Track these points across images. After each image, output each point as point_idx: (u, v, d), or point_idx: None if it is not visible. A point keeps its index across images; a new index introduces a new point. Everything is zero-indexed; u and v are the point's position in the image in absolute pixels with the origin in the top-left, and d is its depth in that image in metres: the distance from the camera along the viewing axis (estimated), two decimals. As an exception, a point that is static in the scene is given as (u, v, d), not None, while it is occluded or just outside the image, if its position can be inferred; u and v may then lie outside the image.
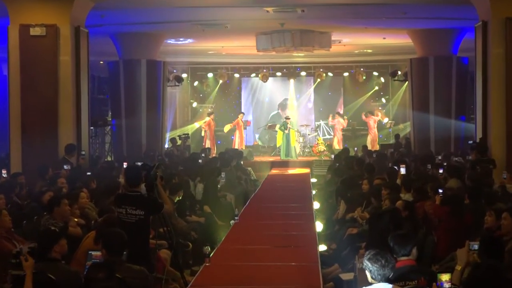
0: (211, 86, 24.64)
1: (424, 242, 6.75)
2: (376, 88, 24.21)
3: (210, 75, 24.43)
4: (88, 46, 12.74)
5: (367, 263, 4.37)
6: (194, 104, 24.86)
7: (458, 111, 16.68)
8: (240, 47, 19.96)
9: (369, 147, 19.26)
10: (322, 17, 15.01)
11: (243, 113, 22.75)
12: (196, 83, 24.79)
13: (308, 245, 8.22)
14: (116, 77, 17.23)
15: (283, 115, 22.81)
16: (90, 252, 5.50)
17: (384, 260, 4.33)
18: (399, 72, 19.37)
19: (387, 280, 4.34)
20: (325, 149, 21.01)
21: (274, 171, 18.87)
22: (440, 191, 7.61)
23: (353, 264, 6.89)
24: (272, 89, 24.81)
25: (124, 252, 5.38)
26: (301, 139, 22.48)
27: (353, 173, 11.42)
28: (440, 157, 13.57)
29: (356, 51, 21.53)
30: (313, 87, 24.65)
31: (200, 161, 14.72)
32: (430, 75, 16.71)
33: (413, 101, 17.26)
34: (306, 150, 22.29)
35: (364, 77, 23.79)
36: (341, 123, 22.35)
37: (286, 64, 23.82)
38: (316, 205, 11.72)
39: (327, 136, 23.27)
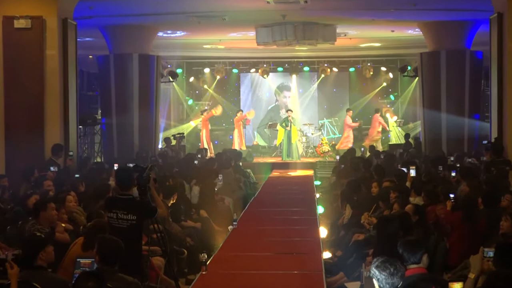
0: (208, 82, 24.64)
1: (436, 249, 6.75)
2: (384, 84, 24.21)
3: (206, 70, 24.43)
4: (76, 39, 12.74)
5: (374, 271, 4.37)
6: (190, 102, 24.87)
7: (472, 109, 16.68)
8: (239, 41, 19.97)
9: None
10: (326, 8, 15.02)
11: (241, 111, 22.75)
12: (191, 79, 24.79)
13: (312, 252, 8.22)
14: (106, 72, 17.22)
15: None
16: (78, 259, 5.50)
17: (393, 268, 4.33)
18: (409, 67, 19.37)
19: (396, 289, 4.34)
20: (329, 149, 21.01)
21: (275, 173, 18.87)
22: (452, 196, 7.60)
23: (359, 272, 6.89)
24: (273, 85, 24.82)
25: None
26: (304, 139, 22.47)
27: (360, 175, 11.42)
28: (452, 158, 13.58)
29: (363, 45, 21.53)
30: (317, 83, 24.65)
31: (196, 162, 14.73)
32: (442, 70, 16.71)
33: (423, 98, 17.27)
34: (309, 151, 22.29)
35: (371, 73, 23.79)
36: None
37: (288, 58, 23.82)
38: (320, 209, 11.72)
39: (332, 136, 23.27)
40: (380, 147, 20.62)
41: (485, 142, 13.99)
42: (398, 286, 4.36)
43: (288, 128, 20.61)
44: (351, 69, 24.32)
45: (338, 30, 17.55)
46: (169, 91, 23.63)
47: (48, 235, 6.21)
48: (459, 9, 15.02)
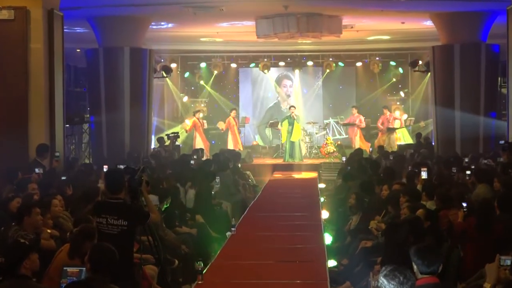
0: (204, 78, 24.65)
1: (449, 257, 6.76)
2: (394, 80, 24.22)
3: (203, 65, 24.44)
4: (63, 31, 12.74)
5: (383, 281, 4.36)
6: (185, 99, 24.87)
7: (488, 107, 16.68)
8: (238, 33, 19.97)
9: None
10: (331, -2, 15.05)
11: (235, 109, 22.63)
12: (187, 74, 24.80)
13: (316, 260, 8.23)
14: (95, 67, 17.22)
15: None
16: (65, 268, 5.50)
17: (403, 277, 4.33)
18: (420, 62, 19.37)
19: (406, 300, 4.33)
20: (335, 150, 21.01)
21: (276, 175, 18.88)
22: (464, 204, 7.53)
23: (367, 281, 6.91)
24: (274, 81, 24.82)
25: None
26: (307, 139, 22.47)
27: (368, 177, 11.43)
28: (467, 160, 13.58)
29: (371, 38, 21.53)
30: (321, 79, 24.66)
31: (192, 162, 14.74)
32: (455, 65, 16.70)
33: (436, 95, 17.27)
34: (314, 151, 22.28)
35: (380, 68, 23.80)
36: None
37: (290, 52, 23.82)
38: (324, 214, 11.73)
39: (338, 136, 23.28)
40: (390, 148, 20.63)
41: (502, 142, 13.99)
42: (408, 296, 4.35)
43: (291, 126, 20.59)
44: (358, 64, 24.32)
45: (344, 22, 17.55)
46: (162, 87, 23.62)
47: (32, 242, 6.20)
48: (474, -1, 15.04)
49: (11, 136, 11.79)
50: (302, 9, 16.22)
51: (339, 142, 22.22)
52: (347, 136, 22.96)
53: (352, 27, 18.72)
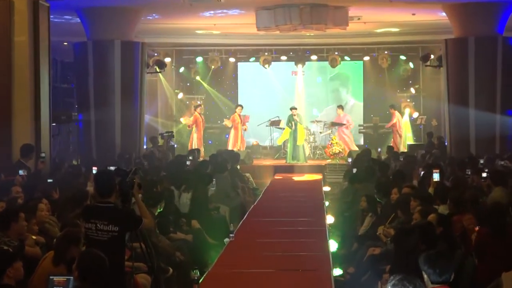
0: (201, 73, 24.65)
1: (462, 265, 6.76)
2: (404, 75, 24.22)
3: (199, 59, 24.44)
4: (49, 23, 12.76)
5: (391, 291, 4.37)
6: (180, 95, 24.88)
7: (505, 104, 16.69)
8: (236, 25, 19.97)
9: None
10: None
11: (241, 106, 22.47)
12: (182, 70, 24.81)
13: (320, 269, 8.23)
14: (83, 61, 17.23)
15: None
16: (51, 277, 5.49)
17: (412, 287, 4.34)
18: (432, 56, 19.38)
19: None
20: (340, 150, 21.02)
21: (278, 178, 18.89)
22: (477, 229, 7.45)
23: (375, 291, 6.90)
24: (275, 77, 24.83)
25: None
26: (311, 138, 22.47)
27: (376, 180, 11.44)
28: (482, 161, 13.59)
29: (379, 30, 21.54)
30: (327, 74, 24.65)
31: (188, 163, 14.73)
32: (470, 59, 16.71)
33: (449, 92, 17.28)
34: (318, 152, 22.30)
35: (388, 62, 23.80)
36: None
37: (292, 46, 23.83)
38: (329, 219, 11.73)
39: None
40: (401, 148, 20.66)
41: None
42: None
43: (293, 128, 20.58)
44: (366, 58, 24.32)
45: (350, 13, 17.56)
46: (155, 83, 23.63)
47: (16, 249, 6.21)
48: (490, -11, 15.05)
49: (-6, 135, 11.81)
50: (306, -1, 16.25)
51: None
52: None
53: (359, 19, 18.73)
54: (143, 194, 8.09)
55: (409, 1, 16.66)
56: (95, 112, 16.97)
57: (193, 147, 20.04)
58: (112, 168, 9.55)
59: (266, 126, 23.23)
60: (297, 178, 18.78)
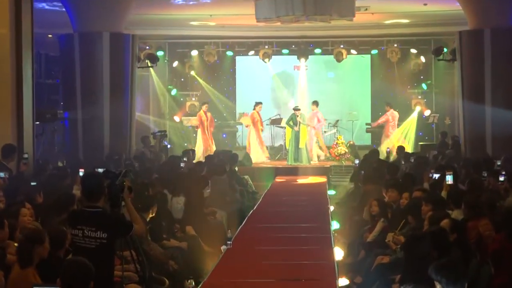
0: (196, 68, 24.65)
1: (478, 274, 6.76)
2: (415, 70, 24.23)
3: (194, 53, 24.44)
4: (32, 14, 12.73)
5: (402, 302, 4.38)
6: (173, 92, 24.89)
7: (524, 101, 16.71)
8: (234, 16, 19.98)
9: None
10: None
11: (260, 103, 22.01)
12: (175, 64, 24.81)
13: (325, 279, 8.24)
14: (69, 55, 17.22)
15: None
16: (34, 287, 5.48)
17: (425, 298, 4.35)
18: (445, 49, 19.39)
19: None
20: (346, 151, 21.02)
21: (279, 180, 18.90)
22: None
23: (383, 303, 6.91)
24: (276, 72, 24.84)
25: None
26: (315, 138, 22.46)
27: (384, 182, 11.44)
28: (499, 162, 13.59)
29: (388, 22, 21.54)
30: (331, 69, 24.67)
31: (182, 165, 14.73)
32: (486, 53, 16.70)
33: (463, 88, 17.28)
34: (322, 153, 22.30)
35: (398, 56, 23.81)
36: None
37: (295, 38, 23.83)
38: (335, 225, 11.74)
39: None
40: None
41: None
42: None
43: (297, 129, 20.50)
44: (373, 52, 24.34)
45: (357, 3, 17.55)
46: (147, 78, 23.63)
47: (-3, 258, 6.21)
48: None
49: (-27, 135, 11.81)
50: (309, -12, 16.24)
51: (351, 142, 22.22)
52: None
53: (366, 9, 18.74)
54: (134, 198, 8.11)
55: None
56: (82, 110, 16.95)
57: (194, 149, 19.99)
58: (100, 170, 9.53)
59: (267, 124, 23.24)
60: (299, 180, 18.80)
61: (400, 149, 17.97)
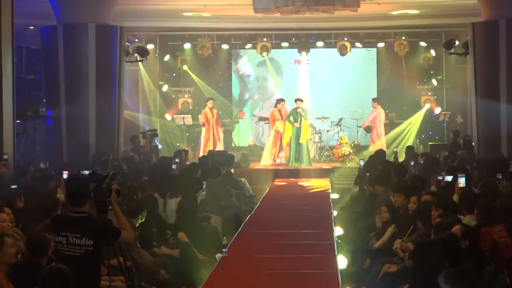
0: (189, 62, 24.66)
1: (492, 284, 6.77)
2: (424, 64, 24.25)
3: (187, 46, 24.45)
4: (12, 5, 12.73)
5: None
6: (165, 88, 24.89)
7: (541, 97, 16.75)
8: (230, 7, 19.98)
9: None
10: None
11: (283, 101, 21.60)
12: (167, 58, 24.82)
13: (327, 289, 8.24)
14: (52, 48, 17.23)
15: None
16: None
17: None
18: (457, 42, 19.42)
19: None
20: (351, 151, 21.02)
21: (278, 183, 18.89)
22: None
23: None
24: (275, 66, 24.86)
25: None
26: (317, 138, 22.46)
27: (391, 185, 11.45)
28: (515, 164, 13.61)
29: (396, 12, 21.56)
30: (335, 63, 24.71)
31: (174, 166, 14.72)
32: (501, 46, 16.74)
33: (476, 83, 17.31)
34: (325, 153, 22.30)
35: (406, 50, 23.83)
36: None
37: (295, 31, 23.85)
38: (338, 231, 11.74)
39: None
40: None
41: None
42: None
43: (297, 125, 20.33)
44: (380, 45, 24.36)
45: (362, -7, 17.60)
46: (136, 73, 23.63)
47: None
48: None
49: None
50: (311, -24, 16.26)
51: (356, 142, 22.21)
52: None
53: (372, 0, 18.75)
54: (122, 202, 8.11)
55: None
56: (66, 107, 16.96)
57: (187, 150, 19.98)
58: (86, 172, 9.54)
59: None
60: (300, 183, 18.78)
61: (409, 149, 17.98)
